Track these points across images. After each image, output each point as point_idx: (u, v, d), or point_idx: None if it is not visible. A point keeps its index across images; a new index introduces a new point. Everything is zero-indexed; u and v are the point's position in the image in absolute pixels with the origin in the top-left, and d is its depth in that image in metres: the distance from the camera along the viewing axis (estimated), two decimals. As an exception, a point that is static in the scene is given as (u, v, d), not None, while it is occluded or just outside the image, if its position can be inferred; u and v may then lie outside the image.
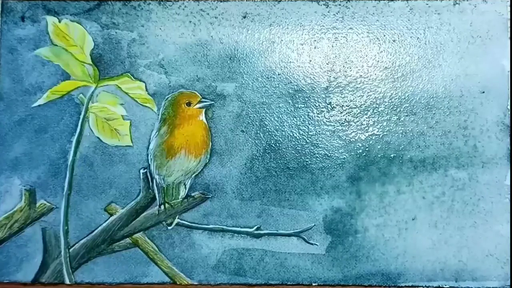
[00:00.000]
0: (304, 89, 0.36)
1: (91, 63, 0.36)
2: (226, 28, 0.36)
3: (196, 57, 0.36)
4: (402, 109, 0.35)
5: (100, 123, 0.36)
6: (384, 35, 0.36)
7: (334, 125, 0.35)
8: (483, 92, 0.35)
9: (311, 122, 0.35)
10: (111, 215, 0.35)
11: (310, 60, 0.36)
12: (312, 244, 0.35)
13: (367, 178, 0.35)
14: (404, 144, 0.35)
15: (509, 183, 0.35)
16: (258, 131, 0.35)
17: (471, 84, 0.35)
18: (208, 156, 0.35)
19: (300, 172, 0.35)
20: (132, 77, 0.36)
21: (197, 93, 0.35)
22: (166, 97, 0.35)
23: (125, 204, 0.35)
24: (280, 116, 0.35)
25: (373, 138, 0.35)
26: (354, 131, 0.35)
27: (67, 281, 0.34)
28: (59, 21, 0.36)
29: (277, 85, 0.36)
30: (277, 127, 0.35)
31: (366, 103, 0.35)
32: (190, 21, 0.36)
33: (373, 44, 0.36)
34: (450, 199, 0.35)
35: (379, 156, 0.35)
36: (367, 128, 0.35)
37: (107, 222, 0.35)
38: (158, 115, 0.35)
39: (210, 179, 0.35)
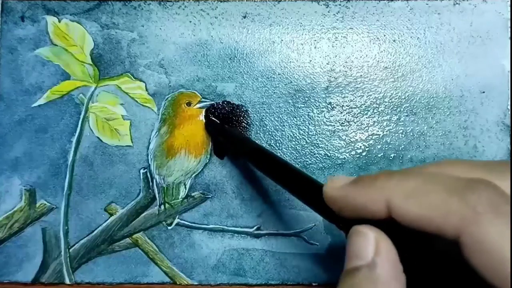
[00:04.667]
0: (304, 89, 0.36)
1: (91, 63, 0.36)
2: (226, 28, 0.36)
3: (196, 57, 0.36)
4: (402, 109, 0.35)
5: (100, 123, 0.36)
6: (384, 35, 0.36)
7: (334, 125, 0.35)
8: (483, 92, 0.35)
9: (311, 122, 0.35)
10: (111, 215, 0.35)
11: (310, 60, 0.36)
12: (312, 244, 0.34)
13: (367, 178, 0.35)
14: (404, 144, 0.35)
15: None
16: (258, 131, 0.35)
17: (471, 84, 0.35)
18: (208, 156, 0.35)
19: (300, 172, 0.35)
20: (132, 77, 0.36)
21: (197, 93, 0.35)
22: (166, 97, 0.35)
23: (125, 204, 0.35)
24: (280, 116, 0.35)
25: (373, 138, 0.35)
26: (354, 131, 0.35)
27: (67, 281, 0.34)
28: (59, 21, 0.36)
29: (277, 85, 0.36)
30: (277, 127, 0.35)
31: (366, 103, 0.35)
32: (190, 21, 0.36)
33: (373, 44, 0.36)
34: (450, 199, 0.35)
35: (379, 156, 0.35)
36: (367, 128, 0.35)
37: (107, 222, 0.35)
38: (158, 115, 0.35)
39: (210, 179, 0.35)
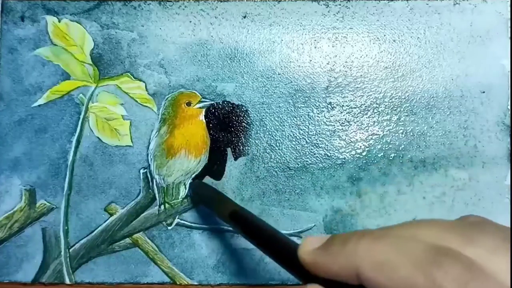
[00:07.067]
0: (304, 89, 0.36)
1: (91, 63, 0.36)
2: (226, 28, 0.36)
3: (196, 57, 0.36)
4: (402, 109, 0.35)
5: (100, 123, 0.35)
6: (384, 35, 0.36)
7: (334, 125, 0.35)
8: (483, 92, 0.35)
9: (311, 122, 0.35)
10: (111, 215, 0.35)
11: (310, 60, 0.36)
12: (312, 244, 0.34)
13: (368, 178, 0.35)
14: (405, 144, 0.35)
15: (509, 183, 0.35)
16: (258, 131, 0.35)
17: (471, 84, 0.35)
18: (208, 156, 0.35)
19: (300, 172, 0.35)
20: (132, 77, 0.36)
21: (197, 93, 0.35)
22: (166, 97, 0.35)
23: (125, 204, 0.35)
24: (280, 116, 0.35)
25: (373, 138, 0.35)
26: (354, 131, 0.35)
27: (67, 281, 0.34)
28: (59, 21, 0.36)
29: (277, 85, 0.36)
30: (277, 127, 0.35)
31: (366, 103, 0.35)
32: (190, 21, 0.36)
33: (373, 44, 0.36)
34: (450, 199, 0.35)
35: (379, 156, 0.35)
36: (367, 128, 0.35)
37: (107, 222, 0.35)
38: (158, 115, 0.35)
39: (210, 179, 0.35)
